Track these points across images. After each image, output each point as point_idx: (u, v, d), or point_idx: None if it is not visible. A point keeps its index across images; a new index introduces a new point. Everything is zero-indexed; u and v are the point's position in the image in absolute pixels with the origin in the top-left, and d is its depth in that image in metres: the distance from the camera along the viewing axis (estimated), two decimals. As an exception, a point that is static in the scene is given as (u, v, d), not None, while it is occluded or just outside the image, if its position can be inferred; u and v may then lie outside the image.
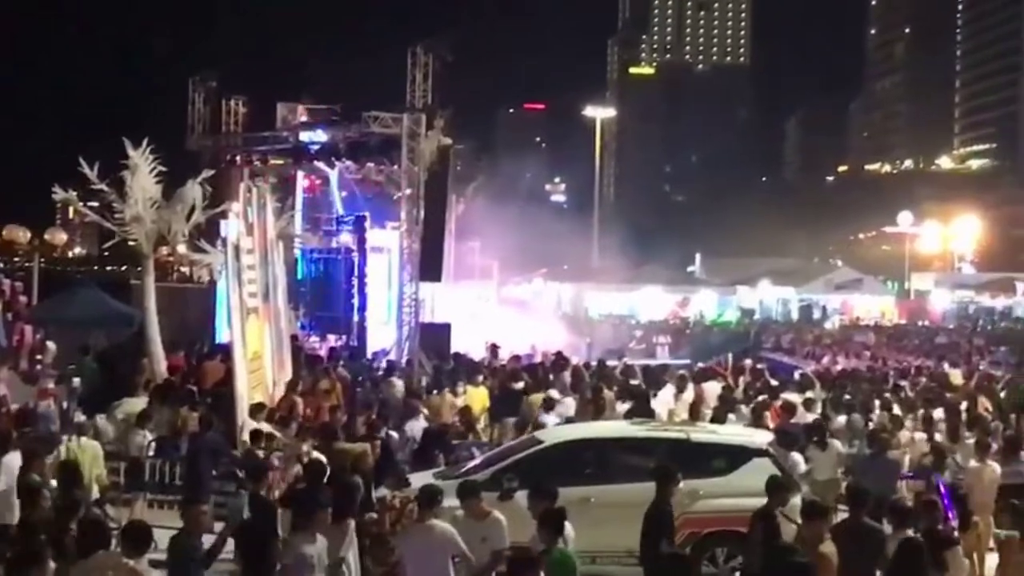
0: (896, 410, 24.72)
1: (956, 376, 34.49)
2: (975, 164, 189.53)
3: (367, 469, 16.57)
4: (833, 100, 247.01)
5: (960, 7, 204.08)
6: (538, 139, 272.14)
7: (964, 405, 25.07)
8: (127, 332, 32.24)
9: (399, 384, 28.04)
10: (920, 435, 21.78)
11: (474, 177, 56.60)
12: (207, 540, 12.57)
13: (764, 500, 14.72)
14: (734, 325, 78.72)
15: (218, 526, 13.92)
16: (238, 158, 43.90)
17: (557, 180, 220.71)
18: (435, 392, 27.22)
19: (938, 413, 23.68)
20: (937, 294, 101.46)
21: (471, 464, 17.98)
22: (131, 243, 30.18)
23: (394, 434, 20.99)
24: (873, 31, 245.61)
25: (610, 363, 33.97)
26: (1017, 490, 18.17)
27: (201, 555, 12.36)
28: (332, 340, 40.31)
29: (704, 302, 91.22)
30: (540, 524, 12.44)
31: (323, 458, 17.14)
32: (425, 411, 23.70)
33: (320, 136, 41.96)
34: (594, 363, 33.91)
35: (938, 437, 21.26)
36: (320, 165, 42.67)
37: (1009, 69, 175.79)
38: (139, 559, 10.93)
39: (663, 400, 25.52)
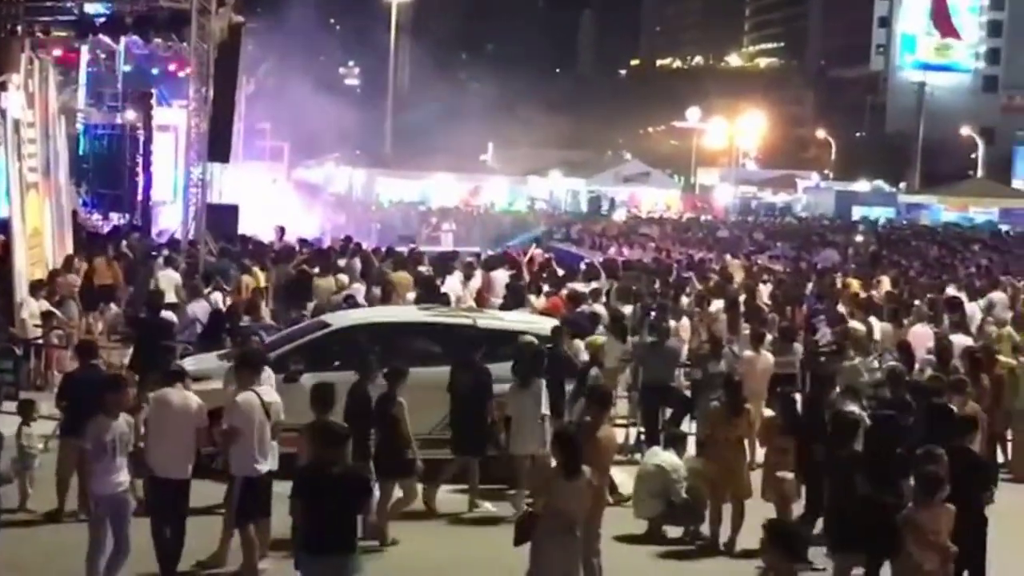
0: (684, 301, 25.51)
1: (737, 268, 35.38)
2: (763, 63, 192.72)
3: None
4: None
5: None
6: (332, 21, 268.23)
7: (742, 297, 25.79)
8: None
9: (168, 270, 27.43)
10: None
11: (266, 58, 55.57)
12: None
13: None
14: (524, 214, 79.24)
15: None
16: (19, 28, 42.16)
17: (351, 64, 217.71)
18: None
19: (717, 304, 24.41)
20: (721, 189, 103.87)
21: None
22: (-98, 113, 28.99)
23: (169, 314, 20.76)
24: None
25: (399, 249, 34.03)
26: (788, 379, 18.94)
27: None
28: (115, 218, 39.56)
29: (495, 191, 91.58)
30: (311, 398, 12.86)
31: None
32: (215, 293, 23.43)
33: (106, 8, 40.58)
34: (383, 249, 33.94)
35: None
36: (105, 39, 41.37)
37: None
38: None
39: (451, 287, 25.65)
